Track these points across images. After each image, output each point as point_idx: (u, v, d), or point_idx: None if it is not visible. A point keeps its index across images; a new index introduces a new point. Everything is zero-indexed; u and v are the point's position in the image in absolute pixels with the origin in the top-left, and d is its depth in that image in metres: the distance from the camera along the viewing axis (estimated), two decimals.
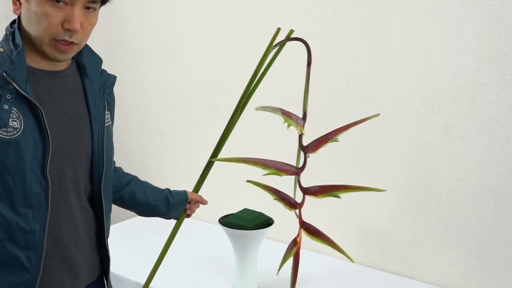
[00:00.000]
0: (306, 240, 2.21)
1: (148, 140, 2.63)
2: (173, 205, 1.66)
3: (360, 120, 1.10)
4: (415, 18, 1.82)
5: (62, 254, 1.29)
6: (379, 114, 1.14)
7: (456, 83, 1.78)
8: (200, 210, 2.55)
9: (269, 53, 1.30)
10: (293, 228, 2.25)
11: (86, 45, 1.36)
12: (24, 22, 1.22)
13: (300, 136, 1.02)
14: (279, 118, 2.19)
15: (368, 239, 2.04)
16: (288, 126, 1.16)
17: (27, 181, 1.20)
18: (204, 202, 1.73)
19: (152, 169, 2.63)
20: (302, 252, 2.19)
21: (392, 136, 1.93)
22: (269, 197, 2.27)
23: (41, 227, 1.22)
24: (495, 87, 1.72)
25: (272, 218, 1.81)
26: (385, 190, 1.20)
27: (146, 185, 1.65)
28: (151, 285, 1.75)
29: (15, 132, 1.18)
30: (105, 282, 1.47)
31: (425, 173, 1.88)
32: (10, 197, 1.19)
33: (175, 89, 2.50)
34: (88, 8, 1.23)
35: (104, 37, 2.70)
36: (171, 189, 1.71)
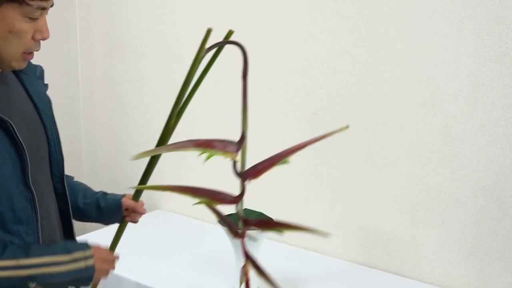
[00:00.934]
0: (306, 240, 2.22)
1: (148, 140, 2.63)
2: (105, 210, 1.49)
3: (316, 138, 0.84)
4: (415, 18, 1.82)
5: None
6: (348, 126, 0.89)
7: (456, 83, 1.78)
8: (200, 210, 2.55)
9: (202, 57, 1.17)
10: None
11: None
12: None
13: (234, 163, 0.81)
14: (279, 119, 2.20)
15: (368, 239, 2.04)
16: (207, 158, 0.94)
17: (13, 198, 1.16)
18: (142, 211, 1.49)
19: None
20: (302, 252, 2.20)
21: (392, 136, 1.93)
22: (270, 197, 2.27)
23: (35, 239, 1.22)
24: (495, 87, 1.72)
25: (272, 218, 1.81)
26: (329, 235, 1.00)
27: (79, 187, 1.51)
28: (152, 285, 1.76)
29: None
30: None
31: (425, 173, 1.88)
32: (1, 219, 1.16)
33: (175, 89, 2.49)
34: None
35: (104, 37, 2.70)
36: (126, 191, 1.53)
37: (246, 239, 0.94)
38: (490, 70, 1.72)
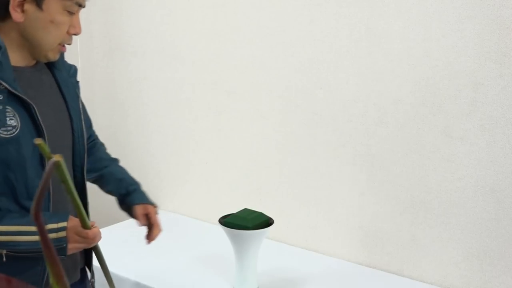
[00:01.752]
0: (306, 240, 2.22)
1: (148, 140, 2.63)
2: (124, 207, 1.61)
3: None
4: (415, 18, 1.82)
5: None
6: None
7: (456, 83, 1.78)
8: (201, 210, 2.55)
9: None
10: (293, 227, 2.25)
11: None
12: (30, 30, 1.26)
13: None
14: (279, 118, 2.20)
15: (368, 239, 2.04)
16: None
17: (29, 176, 1.24)
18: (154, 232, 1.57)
19: (152, 169, 2.63)
20: (302, 252, 2.20)
21: (392, 136, 1.93)
22: (270, 197, 2.27)
23: None
24: (495, 87, 1.72)
25: (272, 218, 1.81)
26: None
27: (116, 177, 1.64)
28: (152, 285, 1.76)
29: (14, 130, 1.22)
30: (88, 270, 1.52)
31: (425, 173, 1.88)
32: (14, 193, 1.24)
33: (175, 89, 2.50)
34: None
35: (104, 37, 2.70)
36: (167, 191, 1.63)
37: None
38: (490, 70, 1.72)
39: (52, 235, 1.21)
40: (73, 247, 1.26)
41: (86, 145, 1.45)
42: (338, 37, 1.99)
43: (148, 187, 2.69)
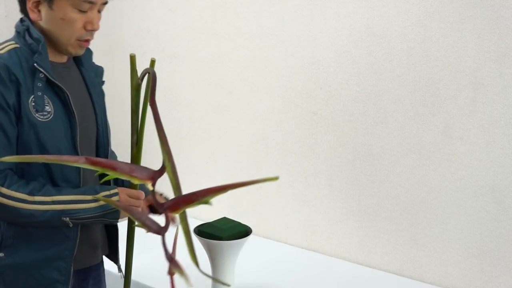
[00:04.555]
0: (306, 239, 2.22)
1: (148, 140, 2.63)
2: None
3: (255, 180, 0.71)
4: (415, 18, 1.82)
5: (82, 225, 1.43)
6: (278, 177, 0.72)
7: (456, 83, 1.78)
8: (200, 210, 2.55)
9: (138, 84, 1.31)
10: (293, 227, 2.25)
11: None
12: (46, 27, 1.37)
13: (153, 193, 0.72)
14: (279, 118, 2.20)
15: (368, 239, 2.04)
16: (106, 178, 0.87)
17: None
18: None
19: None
20: (302, 252, 2.20)
21: (392, 136, 1.93)
22: (270, 197, 2.27)
23: None
24: (495, 87, 1.72)
25: (251, 228, 1.73)
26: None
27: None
28: (152, 285, 1.75)
29: (49, 115, 1.35)
30: (116, 256, 1.63)
31: (425, 173, 1.88)
32: (50, 174, 1.37)
33: (175, 89, 2.50)
34: (100, 9, 1.41)
35: (104, 37, 2.70)
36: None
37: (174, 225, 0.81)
38: (490, 70, 1.72)
39: (103, 202, 1.37)
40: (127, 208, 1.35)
41: (109, 139, 1.56)
42: (338, 37, 1.99)
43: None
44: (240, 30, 2.24)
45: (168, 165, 0.71)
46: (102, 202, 1.37)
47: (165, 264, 0.74)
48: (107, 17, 2.70)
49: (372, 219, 2.02)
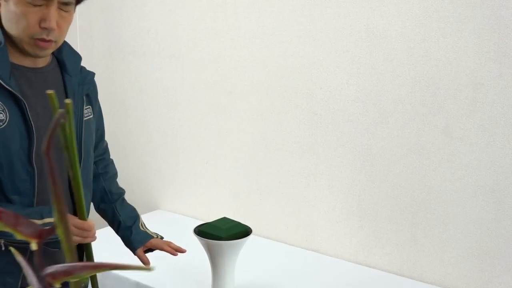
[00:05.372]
0: (306, 239, 2.22)
1: (148, 140, 2.63)
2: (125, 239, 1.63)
3: (128, 266, 0.64)
4: (415, 18, 1.82)
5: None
6: (152, 268, 0.70)
7: (456, 83, 1.78)
8: (201, 210, 2.55)
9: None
10: (293, 227, 2.25)
11: (66, 43, 1.42)
12: (3, 22, 1.28)
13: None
14: (279, 118, 2.20)
15: (368, 239, 2.04)
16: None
17: (15, 169, 1.26)
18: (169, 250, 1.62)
19: (152, 169, 2.63)
20: (302, 252, 2.20)
21: (392, 136, 1.93)
22: (270, 197, 2.27)
23: None
24: (495, 87, 1.72)
25: (251, 228, 1.72)
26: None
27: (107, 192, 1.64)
28: (152, 285, 1.76)
29: (1, 123, 1.25)
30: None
31: (425, 173, 1.88)
32: (1, 185, 1.27)
33: (175, 89, 2.50)
34: (62, 9, 1.29)
35: (104, 37, 2.70)
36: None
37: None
38: (490, 70, 1.72)
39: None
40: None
41: (83, 152, 1.42)
42: (338, 37, 1.99)
43: (148, 187, 2.70)
44: (240, 30, 2.24)
45: (60, 227, 0.61)
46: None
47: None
48: (107, 17, 2.71)
49: (372, 219, 2.02)
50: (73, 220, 1.25)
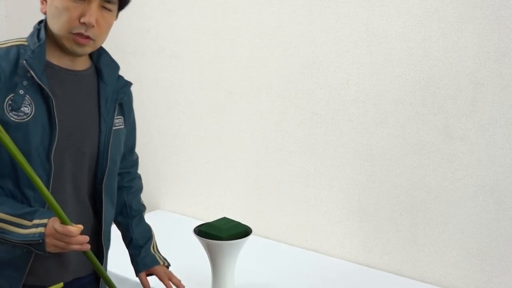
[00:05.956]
0: (306, 239, 2.22)
1: (148, 140, 2.63)
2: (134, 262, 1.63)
3: None
4: (415, 18, 1.82)
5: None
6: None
7: (456, 83, 1.78)
8: (201, 209, 2.55)
9: None
10: (293, 227, 2.25)
11: (106, 51, 1.46)
12: (48, 19, 1.32)
13: None
14: (279, 118, 2.20)
15: (368, 239, 2.04)
16: None
17: (32, 164, 1.26)
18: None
19: (152, 169, 2.63)
20: (302, 252, 2.20)
21: (392, 136, 1.93)
22: (270, 197, 2.27)
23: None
24: (495, 87, 1.72)
25: (251, 228, 1.72)
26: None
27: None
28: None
29: (25, 117, 1.27)
30: (99, 281, 1.51)
31: (425, 173, 1.88)
32: (16, 177, 1.28)
33: (175, 89, 2.50)
34: (105, 7, 1.33)
35: None
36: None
37: None
38: (490, 70, 1.72)
39: (31, 230, 1.23)
40: (52, 243, 1.24)
41: (109, 160, 1.43)
42: (338, 37, 1.99)
43: (148, 187, 2.70)
44: (240, 30, 2.24)
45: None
46: (33, 230, 1.22)
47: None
48: None
49: (372, 219, 2.02)
50: (56, 224, 1.22)
